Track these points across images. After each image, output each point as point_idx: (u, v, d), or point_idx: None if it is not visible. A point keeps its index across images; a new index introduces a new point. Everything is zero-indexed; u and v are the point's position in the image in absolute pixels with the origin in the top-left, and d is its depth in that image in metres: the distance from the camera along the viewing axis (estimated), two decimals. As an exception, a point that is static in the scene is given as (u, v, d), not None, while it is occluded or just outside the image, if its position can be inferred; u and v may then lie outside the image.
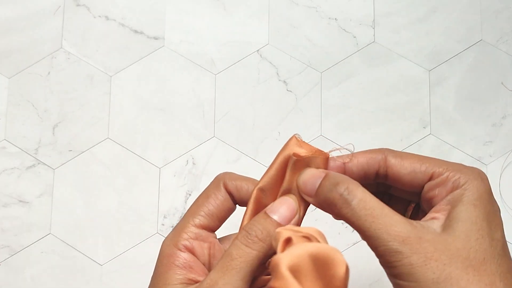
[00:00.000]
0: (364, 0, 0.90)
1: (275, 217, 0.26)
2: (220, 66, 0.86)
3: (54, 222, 0.80)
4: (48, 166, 0.82)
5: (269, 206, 0.27)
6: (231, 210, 0.29)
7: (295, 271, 0.21)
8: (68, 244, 0.80)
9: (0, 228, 0.80)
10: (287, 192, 0.27)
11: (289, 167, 0.27)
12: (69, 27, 0.87)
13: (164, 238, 0.30)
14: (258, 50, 0.87)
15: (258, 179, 0.28)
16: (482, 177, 0.26)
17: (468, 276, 0.23)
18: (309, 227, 0.24)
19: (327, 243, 0.23)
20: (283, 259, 0.21)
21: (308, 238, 0.23)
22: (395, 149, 0.28)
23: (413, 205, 0.29)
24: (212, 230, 0.29)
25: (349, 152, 0.28)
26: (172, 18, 0.88)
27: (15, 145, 0.82)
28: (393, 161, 0.27)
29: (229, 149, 0.83)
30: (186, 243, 0.27)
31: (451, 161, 0.27)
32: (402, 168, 0.27)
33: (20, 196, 0.81)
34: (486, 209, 0.25)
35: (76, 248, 0.79)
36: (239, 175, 0.29)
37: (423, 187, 0.27)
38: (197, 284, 0.25)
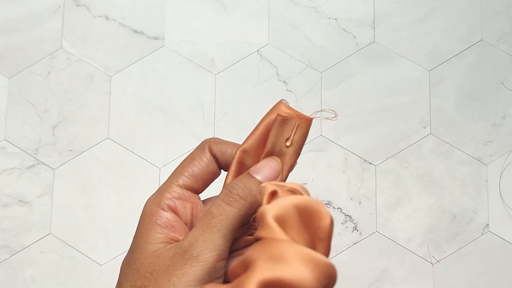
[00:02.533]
0: (364, 0, 0.90)
1: (258, 177, 0.26)
2: (220, 66, 0.86)
3: (54, 222, 0.80)
4: (48, 166, 0.82)
5: (252, 167, 0.27)
6: (215, 174, 0.29)
7: (281, 221, 0.21)
8: (68, 244, 0.79)
9: (0, 228, 0.80)
10: (271, 153, 0.28)
11: (274, 127, 0.27)
12: (69, 27, 0.87)
13: None
14: (258, 50, 0.87)
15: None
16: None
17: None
18: (293, 182, 0.24)
19: (309, 195, 0.24)
20: (269, 210, 0.21)
21: (293, 191, 0.23)
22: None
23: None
24: (196, 191, 0.29)
25: (332, 115, 0.28)
26: (172, 18, 0.88)
27: (15, 145, 0.82)
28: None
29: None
30: (169, 202, 0.27)
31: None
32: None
33: (20, 196, 0.81)
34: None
35: (76, 248, 0.79)
36: (224, 140, 0.29)
37: None
38: (178, 242, 0.26)
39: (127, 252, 0.28)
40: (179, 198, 0.28)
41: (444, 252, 0.82)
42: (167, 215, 0.28)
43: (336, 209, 0.82)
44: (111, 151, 0.83)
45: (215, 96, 0.85)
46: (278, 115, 0.28)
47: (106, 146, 0.83)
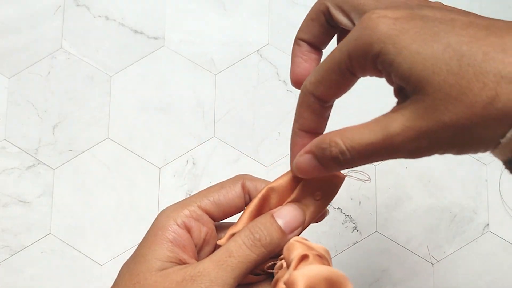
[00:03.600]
0: (364, 0, 0.90)
1: (280, 222, 0.26)
2: (220, 66, 0.86)
3: (54, 222, 0.80)
4: (48, 166, 0.82)
5: (276, 209, 0.26)
6: (239, 209, 0.28)
7: None
8: (68, 244, 0.80)
9: (0, 228, 0.80)
10: (298, 200, 0.27)
11: (303, 181, 0.27)
12: (69, 27, 0.87)
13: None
14: (258, 50, 0.87)
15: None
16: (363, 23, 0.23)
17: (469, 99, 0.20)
18: (318, 245, 0.24)
19: (331, 263, 0.24)
20: (301, 279, 0.21)
21: (321, 257, 0.23)
22: None
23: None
24: (214, 219, 0.28)
25: (366, 178, 0.28)
26: (172, 18, 0.88)
27: (15, 145, 0.82)
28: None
29: (229, 149, 0.83)
30: (186, 220, 0.26)
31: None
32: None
33: (20, 196, 0.81)
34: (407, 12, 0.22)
35: (76, 248, 0.79)
36: (258, 178, 0.29)
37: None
38: (186, 266, 0.25)
39: (129, 257, 0.27)
40: (197, 219, 0.27)
41: (444, 252, 0.82)
42: (180, 233, 0.27)
43: (336, 209, 0.82)
44: (111, 151, 0.83)
45: (215, 96, 0.85)
46: None
47: (106, 146, 0.83)
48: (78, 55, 0.86)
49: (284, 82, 0.86)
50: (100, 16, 0.87)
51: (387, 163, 0.84)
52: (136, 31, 0.87)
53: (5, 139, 0.83)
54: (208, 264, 0.24)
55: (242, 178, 0.28)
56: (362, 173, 0.28)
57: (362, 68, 0.23)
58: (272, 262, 0.26)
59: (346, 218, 0.82)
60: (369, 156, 0.23)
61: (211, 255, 0.25)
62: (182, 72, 0.86)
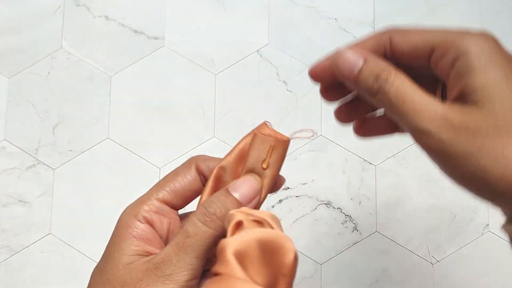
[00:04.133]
0: (364, 0, 0.90)
1: (236, 195, 0.25)
2: (220, 66, 0.86)
3: (54, 222, 0.80)
4: (48, 166, 0.82)
5: (231, 184, 0.26)
6: (197, 192, 0.28)
7: (241, 257, 0.20)
8: (68, 244, 0.80)
9: (0, 228, 0.80)
10: (250, 171, 0.27)
11: (251, 147, 0.27)
12: (69, 27, 0.87)
13: None
14: (258, 50, 0.87)
15: None
16: (485, 36, 0.25)
17: (504, 141, 0.22)
18: (264, 211, 0.23)
19: (281, 228, 0.23)
20: (230, 244, 0.21)
21: (260, 222, 0.23)
22: (401, 27, 0.27)
23: (440, 86, 0.29)
24: (175, 207, 0.28)
25: (310, 135, 0.28)
26: (172, 18, 0.88)
27: (15, 145, 0.82)
28: (396, 39, 0.27)
29: (229, 149, 0.83)
30: (146, 215, 0.27)
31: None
32: (405, 44, 0.26)
33: (20, 196, 0.81)
34: (501, 68, 0.24)
35: (76, 248, 0.79)
36: (212, 157, 0.29)
37: (428, 60, 0.26)
38: (151, 257, 0.25)
39: (98, 262, 0.28)
40: (157, 212, 0.27)
41: (444, 252, 0.82)
42: (143, 227, 0.27)
43: (336, 209, 0.82)
44: (111, 151, 0.83)
45: (215, 96, 0.85)
46: (255, 133, 0.28)
47: (106, 146, 0.83)
48: (78, 55, 0.86)
49: (284, 82, 0.86)
50: (100, 16, 0.87)
51: (387, 163, 0.84)
52: (136, 31, 0.87)
53: (5, 139, 0.83)
54: (169, 250, 0.24)
55: (195, 161, 0.28)
56: (307, 130, 0.28)
57: (436, 61, 0.26)
58: None
59: (346, 218, 0.82)
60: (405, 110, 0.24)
61: (171, 241, 0.25)
62: (182, 72, 0.86)
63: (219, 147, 0.83)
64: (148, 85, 0.85)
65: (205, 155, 0.29)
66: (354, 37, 0.88)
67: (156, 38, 0.87)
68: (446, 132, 0.23)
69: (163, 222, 0.27)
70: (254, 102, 0.85)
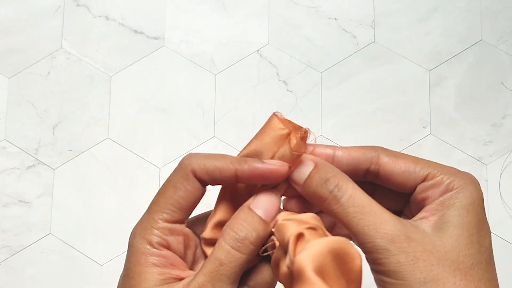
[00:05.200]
0: (364, 0, 0.90)
1: (260, 212, 0.25)
2: (220, 66, 0.86)
3: (54, 222, 0.80)
4: (48, 166, 0.82)
5: (251, 200, 0.26)
6: (202, 196, 0.27)
7: (320, 272, 0.20)
8: (68, 244, 0.79)
9: (0, 228, 0.80)
10: (269, 150, 0.27)
11: (267, 131, 0.27)
12: (69, 27, 0.87)
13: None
14: (258, 50, 0.87)
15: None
16: (475, 183, 0.26)
17: (455, 280, 0.23)
18: (307, 215, 0.23)
19: (324, 228, 0.23)
20: (307, 262, 0.20)
21: (315, 229, 0.22)
22: (389, 149, 0.27)
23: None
24: (183, 222, 0.27)
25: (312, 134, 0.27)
26: (172, 18, 0.88)
27: (15, 145, 0.82)
28: (386, 160, 0.27)
29: (229, 149, 0.83)
30: (161, 240, 0.26)
31: (449, 161, 0.27)
32: (396, 168, 0.26)
33: (20, 196, 0.81)
34: (478, 216, 0.25)
35: (76, 248, 0.79)
36: (206, 154, 0.27)
37: (415, 188, 0.26)
38: (183, 283, 0.25)
39: None
40: (171, 234, 0.27)
41: (444, 252, 0.82)
42: (163, 254, 0.26)
43: (336, 209, 0.82)
44: (111, 151, 0.83)
45: (215, 96, 0.85)
46: (273, 116, 0.27)
47: (106, 146, 0.83)
48: (78, 55, 0.86)
49: (284, 82, 0.86)
50: (100, 16, 0.87)
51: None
52: (136, 31, 0.87)
53: (5, 139, 0.83)
54: (202, 279, 0.24)
55: (190, 166, 0.27)
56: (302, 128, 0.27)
57: (424, 190, 0.27)
58: (266, 246, 0.25)
59: (346, 218, 0.82)
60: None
61: (201, 268, 0.24)
62: (182, 72, 0.86)
63: (219, 147, 0.83)
64: (148, 85, 0.85)
65: (197, 155, 0.27)
66: (354, 37, 0.88)
67: (156, 38, 0.87)
68: (406, 255, 0.23)
69: (179, 242, 0.26)
70: (254, 102, 0.85)
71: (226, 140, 0.83)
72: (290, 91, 0.85)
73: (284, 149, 0.27)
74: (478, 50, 0.88)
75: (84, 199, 0.81)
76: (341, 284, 0.21)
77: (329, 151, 0.27)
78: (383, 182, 0.27)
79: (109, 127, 0.83)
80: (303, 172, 0.25)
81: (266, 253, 0.25)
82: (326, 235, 0.22)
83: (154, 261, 0.25)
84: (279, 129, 0.27)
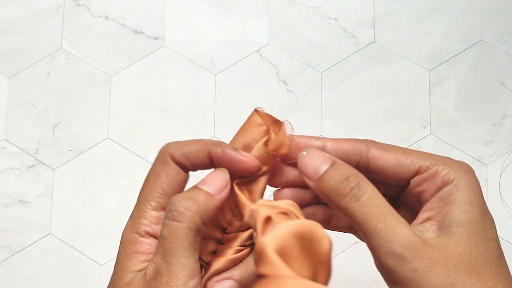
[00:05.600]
0: (364, 0, 0.90)
1: (206, 188, 0.25)
2: (220, 66, 0.86)
3: (54, 222, 0.80)
4: (48, 166, 0.82)
5: (200, 181, 0.26)
6: (185, 181, 0.27)
7: (282, 254, 0.20)
8: (68, 244, 0.80)
9: (0, 228, 0.80)
10: (248, 147, 0.27)
11: (248, 125, 0.27)
12: (69, 27, 0.87)
13: None
14: (258, 50, 0.87)
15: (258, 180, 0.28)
16: (471, 171, 0.25)
17: (472, 281, 0.22)
18: (284, 200, 0.23)
19: (302, 215, 0.23)
20: (269, 243, 0.20)
21: (286, 214, 0.22)
22: (380, 142, 0.27)
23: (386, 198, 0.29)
24: None
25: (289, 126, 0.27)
26: (172, 18, 0.88)
27: (15, 145, 0.82)
28: (376, 153, 0.26)
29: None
30: (148, 229, 0.26)
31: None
32: (386, 161, 0.26)
33: (20, 196, 0.81)
34: (482, 208, 0.25)
35: (76, 248, 0.79)
36: (183, 141, 0.27)
37: (408, 181, 0.26)
38: (145, 270, 0.25)
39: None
40: (157, 223, 0.27)
41: (444, 252, 0.82)
42: (148, 242, 0.26)
43: (336, 209, 0.82)
44: (111, 151, 0.83)
45: (215, 96, 0.85)
46: (254, 112, 0.27)
47: (106, 146, 0.83)
48: (78, 55, 0.86)
49: (284, 82, 0.86)
50: (100, 16, 0.87)
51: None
52: (136, 31, 0.87)
53: (5, 139, 0.83)
54: (156, 259, 0.24)
55: (167, 152, 0.27)
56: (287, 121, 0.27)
57: (417, 184, 0.26)
58: (249, 236, 0.25)
59: (346, 218, 0.82)
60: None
61: (155, 250, 0.25)
62: (182, 72, 0.86)
63: (219, 147, 0.83)
64: (148, 85, 0.85)
65: (175, 142, 0.27)
66: (354, 37, 0.88)
67: (156, 38, 0.87)
68: (423, 262, 0.22)
69: None
70: (254, 102, 0.85)
71: (226, 140, 0.83)
72: (290, 91, 0.85)
73: (259, 147, 0.27)
74: (478, 50, 0.88)
75: (84, 199, 0.81)
76: (306, 267, 0.20)
77: (318, 143, 0.27)
78: (374, 175, 0.26)
79: (109, 127, 0.83)
80: (319, 167, 0.25)
81: (250, 242, 0.25)
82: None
83: (138, 248, 0.26)
84: (258, 125, 0.27)
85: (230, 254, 0.26)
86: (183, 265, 0.23)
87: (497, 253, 0.24)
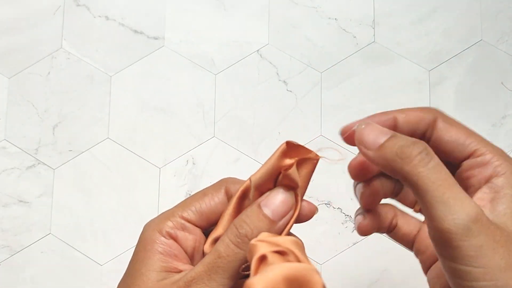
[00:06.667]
0: (364, 0, 0.90)
1: (267, 211, 0.25)
2: (220, 66, 0.86)
3: (54, 222, 0.80)
4: (48, 166, 0.82)
5: (263, 198, 0.25)
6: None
7: None
8: (68, 244, 0.80)
9: (0, 228, 0.80)
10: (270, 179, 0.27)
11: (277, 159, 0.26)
12: (69, 27, 0.87)
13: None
14: (258, 50, 0.87)
15: None
16: None
17: None
18: (286, 237, 0.23)
19: (305, 255, 0.22)
20: (257, 285, 0.20)
21: (284, 253, 0.22)
22: (446, 114, 0.26)
23: None
24: (200, 228, 0.28)
25: (341, 157, 0.27)
26: (172, 18, 0.88)
27: (15, 145, 0.82)
28: (441, 125, 0.26)
29: (229, 149, 0.83)
30: (170, 231, 0.26)
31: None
32: (447, 135, 0.25)
33: (20, 196, 0.81)
34: None
35: (76, 248, 0.79)
36: (243, 180, 0.27)
37: (461, 162, 0.26)
38: (182, 274, 0.25)
39: (123, 275, 0.27)
40: (181, 229, 0.27)
41: (444, 252, 0.82)
42: (169, 243, 0.26)
43: (336, 209, 0.82)
44: (111, 151, 0.83)
45: (215, 96, 0.85)
46: (285, 143, 0.26)
47: (106, 146, 0.83)
48: (78, 55, 0.86)
49: (284, 82, 0.86)
50: (100, 16, 0.87)
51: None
52: (136, 31, 0.87)
53: (5, 139, 0.83)
54: (200, 269, 0.24)
55: (225, 183, 0.27)
56: (335, 150, 0.26)
57: (469, 168, 0.26)
58: (246, 264, 0.25)
59: (346, 218, 0.82)
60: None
61: (202, 260, 0.25)
62: (182, 72, 0.86)
63: (219, 147, 0.83)
64: (148, 85, 0.85)
65: (236, 178, 0.28)
66: (354, 37, 0.88)
67: (156, 38, 0.87)
68: (488, 238, 0.21)
69: (188, 239, 0.27)
70: (254, 102, 0.85)
71: (226, 140, 0.83)
72: (290, 91, 0.85)
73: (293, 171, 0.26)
74: (478, 50, 0.88)
75: (84, 199, 0.81)
76: None
77: (388, 117, 0.26)
78: (433, 147, 0.25)
79: (109, 127, 0.83)
80: (379, 138, 0.24)
81: (246, 272, 0.25)
82: (297, 261, 0.22)
83: (159, 249, 0.26)
84: (281, 158, 0.26)
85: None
86: (224, 285, 0.24)
87: None
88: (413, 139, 0.24)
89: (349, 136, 0.27)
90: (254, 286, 0.20)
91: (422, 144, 0.23)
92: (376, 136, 0.24)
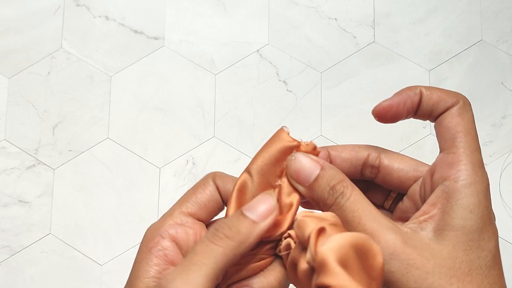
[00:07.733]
0: (364, 0, 0.90)
1: (252, 216, 0.25)
2: (220, 66, 0.86)
3: (54, 222, 0.80)
4: (48, 166, 0.82)
5: (246, 205, 0.26)
6: (219, 203, 0.28)
7: (343, 264, 0.20)
8: (68, 244, 0.80)
9: (0, 228, 0.80)
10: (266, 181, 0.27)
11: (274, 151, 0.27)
12: (69, 27, 0.87)
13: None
14: (258, 50, 0.87)
15: None
16: (485, 181, 0.25)
17: (452, 287, 0.22)
18: (327, 213, 0.23)
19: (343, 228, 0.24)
20: (331, 253, 0.20)
21: (336, 225, 0.22)
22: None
23: (393, 195, 0.29)
24: (200, 220, 0.28)
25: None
26: (172, 18, 0.88)
27: (15, 145, 0.82)
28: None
29: (229, 149, 0.83)
30: (170, 229, 0.26)
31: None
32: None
33: (20, 196, 0.81)
34: (483, 218, 0.25)
35: (76, 248, 0.79)
36: (229, 175, 0.29)
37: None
38: (160, 279, 0.25)
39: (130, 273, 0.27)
40: (182, 225, 0.27)
41: (444, 252, 0.82)
42: (164, 244, 0.26)
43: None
44: (111, 151, 0.83)
45: (215, 96, 0.85)
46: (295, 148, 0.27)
47: (106, 146, 0.83)
48: (78, 55, 0.86)
49: (284, 82, 0.86)
50: (100, 16, 0.87)
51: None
52: (136, 31, 0.87)
53: (5, 139, 0.83)
54: (175, 270, 0.24)
55: (212, 175, 0.28)
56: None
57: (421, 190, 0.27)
58: (272, 245, 0.25)
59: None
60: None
61: (181, 261, 0.25)
62: (182, 72, 0.86)
63: (219, 147, 0.83)
64: (148, 85, 0.85)
65: (222, 172, 0.29)
66: (354, 37, 0.88)
67: (156, 38, 0.87)
68: (400, 263, 0.22)
69: (189, 233, 0.27)
70: (254, 102, 0.85)
71: (226, 140, 0.83)
72: (290, 91, 0.85)
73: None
74: (478, 50, 0.88)
75: (84, 199, 0.81)
76: (363, 279, 0.21)
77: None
78: (382, 183, 0.27)
79: (109, 127, 0.83)
80: (310, 174, 0.26)
81: (282, 253, 0.25)
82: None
83: (157, 253, 0.26)
84: (287, 141, 0.27)
85: (251, 262, 0.26)
86: (199, 285, 0.24)
87: (488, 265, 0.24)
88: (335, 177, 0.25)
89: (380, 114, 0.28)
90: (328, 254, 0.20)
91: (341, 187, 0.25)
92: (306, 173, 0.26)
